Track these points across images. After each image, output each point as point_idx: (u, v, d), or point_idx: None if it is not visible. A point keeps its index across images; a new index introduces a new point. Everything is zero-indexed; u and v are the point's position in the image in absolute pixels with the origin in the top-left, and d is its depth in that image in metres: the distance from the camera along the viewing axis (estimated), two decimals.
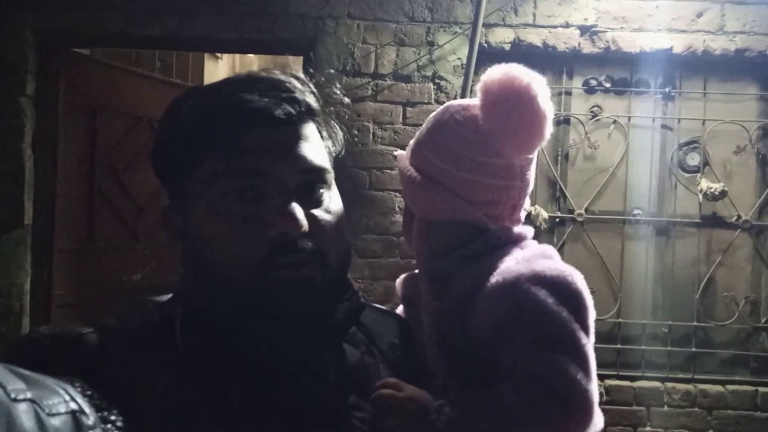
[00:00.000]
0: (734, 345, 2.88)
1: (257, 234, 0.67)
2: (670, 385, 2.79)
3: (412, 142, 0.91)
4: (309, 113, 0.72)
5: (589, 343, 0.75)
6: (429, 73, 2.86)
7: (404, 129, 2.86)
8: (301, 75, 0.75)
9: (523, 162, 0.85)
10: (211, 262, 0.68)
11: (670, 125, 2.91)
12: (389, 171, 2.84)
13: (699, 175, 2.86)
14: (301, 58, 3.01)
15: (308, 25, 2.85)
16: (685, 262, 2.89)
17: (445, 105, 0.89)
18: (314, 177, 0.71)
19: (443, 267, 0.85)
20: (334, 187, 0.75)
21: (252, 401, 0.65)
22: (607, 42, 2.83)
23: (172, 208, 0.74)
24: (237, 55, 4.77)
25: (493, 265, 0.80)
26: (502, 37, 2.85)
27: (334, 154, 0.78)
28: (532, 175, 0.88)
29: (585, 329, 0.75)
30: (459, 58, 2.84)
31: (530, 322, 0.75)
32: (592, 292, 0.79)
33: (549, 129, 0.83)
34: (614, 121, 2.89)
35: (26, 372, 0.52)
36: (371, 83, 2.86)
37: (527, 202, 0.91)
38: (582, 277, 0.79)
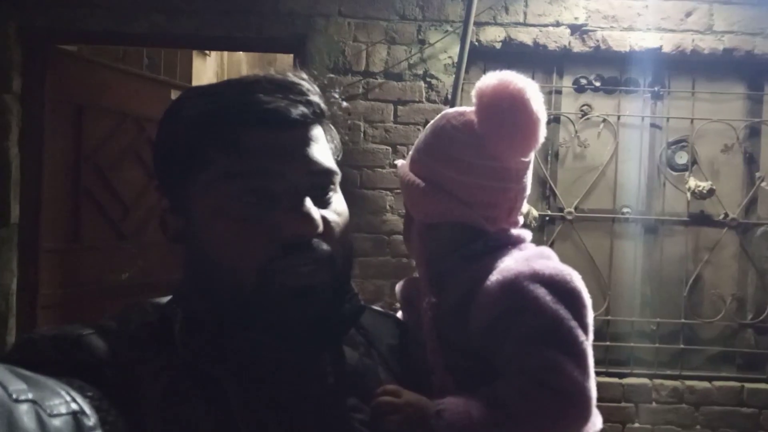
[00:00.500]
0: (721, 342, 2.91)
1: (269, 235, 0.66)
2: (657, 381, 2.82)
3: (411, 151, 0.93)
4: (320, 115, 0.72)
5: (587, 341, 0.76)
6: (420, 72, 2.86)
7: (395, 127, 2.85)
8: (308, 77, 0.75)
9: (519, 165, 0.87)
10: (218, 265, 0.67)
11: (658, 124, 2.94)
12: (380, 169, 2.84)
13: (687, 173, 2.88)
14: (291, 56, 2.99)
15: (298, 23, 2.83)
16: (673, 260, 2.92)
17: (442, 112, 0.90)
18: (325, 179, 0.71)
19: (443, 268, 0.87)
20: (339, 189, 0.75)
21: (251, 403, 0.65)
22: (597, 41, 2.85)
23: (172, 210, 0.73)
24: (225, 53, 4.74)
25: (492, 265, 0.81)
26: (493, 35, 2.85)
27: (335, 157, 0.78)
28: (529, 178, 0.89)
29: (583, 328, 0.76)
30: (450, 57, 2.84)
31: (528, 319, 0.75)
32: None
33: (543, 132, 0.84)
34: (604, 120, 2.91)
35: (27, 373, 0.52)
36: (362, 81, 2.85)
37: (524, 205, 0.92)
38: (580, 276, 0.80)
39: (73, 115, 3.04)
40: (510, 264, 0.81)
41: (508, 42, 2.85)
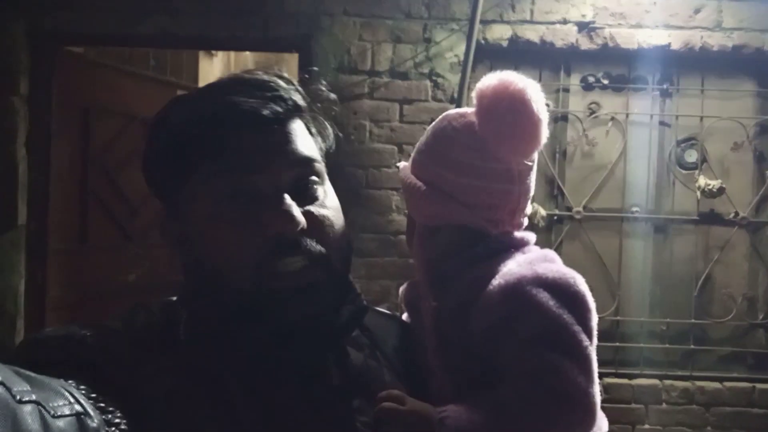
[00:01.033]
0: (731, 342, 2.88)
1: (255, 235, 0.66)
2: (668, 382, 2.80)
3: (413, 153, 0.92)
4: (295, 110, 0.72)
5: (591, 345, 0.75)
6: (426, 71, 2.84)
7: (401, 126, 2.84)
8: (285, 74, 0.75)
9: (521, 167, 0.86)
10: (213, 268, 0.68)
11: (667, 122, 2.91)
12: (386, 169, 2.83)
13: (697, 171, 2.85)
14: (296, 55, 2.99)
15: (303, 23, 2.82)
16: (683, 259, 2.89)
17: (443, 114, 0.89)
18: (305, 170, 0.71)
19: (444, 271, 0.86)
20: (327, 182, 0.75)
21: (255, 404, 0.65)
22: (605, 38, 2.82)
23: (169, 217, 0.74)
24: (232, 53, 4.74)
25: (495, 269, 0.81)
26: (500, 33, 2.83)
27: (324, 150, 0.78)
28: (532, 180, 0.88)
29: (587, 332, 0.75)
30: (456, 55, 2.83)
31: (531, 323, 0.74)
32: (590, 290, 0.80)
33: (544, 133, 0.83)
34: (612, 118, 2.88)
35: (31, 374, 0.52)
36: (367, 81, 2.84)
37: (529, 206, 0.91)
38: (584, 280, 0.79)
39: (80, 116, 3.06)
40: (513, 267, 0.80)
41: (514, 40, 2.83)
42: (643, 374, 2.82)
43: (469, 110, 0.87)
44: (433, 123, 0.90)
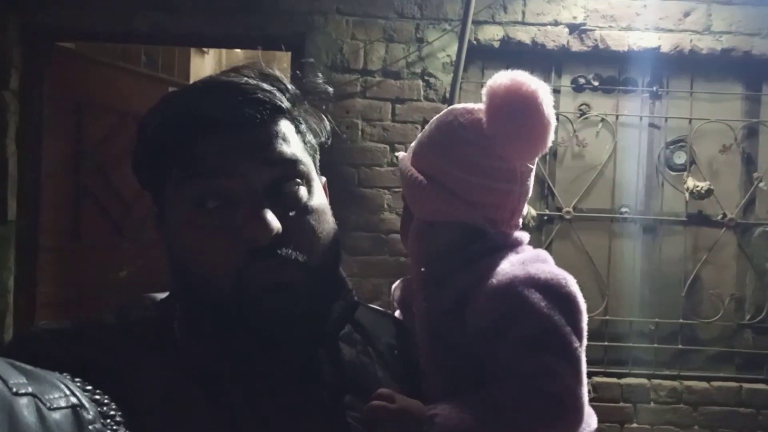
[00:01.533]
0: (719, 342, 2.91)
1: (231, 241, 0.65)
2: (656, 381, 2.82)
3: (414, 143, 0.91)
4: (276, 111, 0.69)
5: (581, 346, 0.76)
6: (418, 70, 2.86)
7: (393, 126, 2.85)
8: (269, 70, 0.73)
9: (524, 168, 0.86)
10: (192, 271, 0.67)
11: (657, 124, 2.93)
12: (378, 168, 2.83)
13: (685, 173, 2.88)
14: (289, 53, 2.99)
15: (297, 21, 2.83)
16: (672, 260, 2.92)
17: (449, 108, 0.89)
18: (284, 171, 0.68)
19: (438, 269, 0.86)
20: (315, 181, 0.73)
21: (248, 399, 0.65)
22: (596, 40, 2.84)
23: (158, 215, 0.74)
24: (223, 50, 4.73)
25: (488, 268, 0.81)
26: (492, 34, 2.85)
27: (317, 146, 0.76)
28: (531, 181, 0.88)
29: (577, 332, 0.76)
30: (448, 55, 2.84)
31: (523, 324, 0.75)
32: (579, 288, 0.80)
33: (551, 136, 0.84)
34: (602, 120, 2.90)
35: (27, 366, 0.53)
36: (360, 79, 2.85)
37: (525, 207, 0.91)
38: (575, 281, 0.80)
39: (72, 112, 3.05)
40: (506, 268, 0.80)
41: (506, 41, 2.85)
42: (631, 373, 2.84)
43: (475, 107, 0.86)
44: (438, 116, 0.89)
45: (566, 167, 2.92)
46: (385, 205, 2.83)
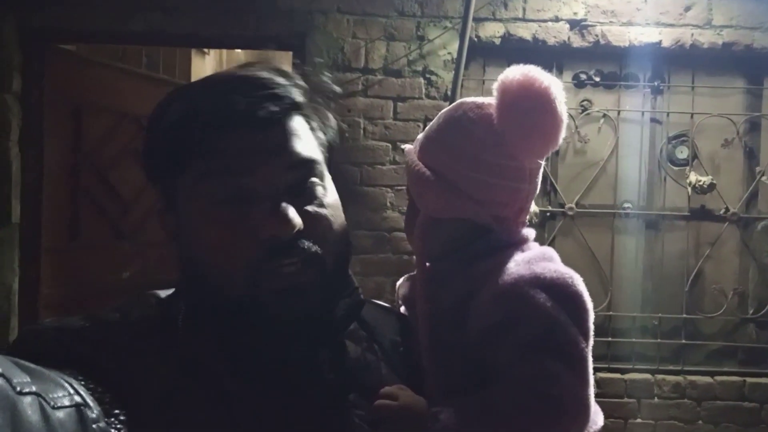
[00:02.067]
0: (722, 337, 2.91)
1: (249, 237, 0.65)
2: (659, 377, 2.82)
3: (420, 137, 0.88)
4: (294, 108, 0.70)
5: (587, 347, 0.75)
6: (419, 68, 2.86)
7: (395, 124, 2.85)
8: (284, 68, 0.73)
9: (533, 165, 0.84)
10: (206, 266, 0.67)
11: (659, 119, 2.93)
12: (380, 166, 2.83)
13: (688, 168, 2.88)
14: (290, 53, 2.99)
15: (297, 20, 2.82)
16: (674, 255, 2.92)
17: (458, 102, 0.86)
18: (304, 171, 0.69)
19: (443, 266, 0.85)
20: (328, 179, 0.73)
21: (253, 397, 0.65)
22: (597, 36, 2.84)
23: (166, 210, 0.73)
24: (224, 51, 4.73)
25: (493, 267, 0.79)
26: (492, 31, 2.85)
27: (327, 144, 0.76)
28: (540, 179, 0.86)
29: (584, 333, 0.75)
30: (449, 53, 2.84)
31: (528, 325, 0.74)
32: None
33: (563, 134, 0.81)
34: (604, 115, 2.90)
35: (31, 365, 0.52)
36: (361, 78, 2.85)
37: (532, 205, 0.90)
38: (581, 279, 0.78)
39: (72, 114, 3.04)
40: (511, 267, 0.78)
41: (507, 37, 2.85)
42: (635, 369, 2.85)
43: (485, 101, 0.84)
44: (446, 111, 0.87)
45: (568, 163, 2.93)
46: (388, 204, 2.83)
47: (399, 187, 2.79)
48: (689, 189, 2.84)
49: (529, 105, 0.78)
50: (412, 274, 0.95)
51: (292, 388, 0.68)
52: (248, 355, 0.67)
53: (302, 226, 0.66)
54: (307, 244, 0.66)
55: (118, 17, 2.78)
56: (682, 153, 2.91)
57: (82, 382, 0.56)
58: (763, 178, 2.88)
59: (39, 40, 2.83)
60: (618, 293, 2.88)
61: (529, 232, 0.87)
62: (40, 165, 2.83)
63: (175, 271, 0.74)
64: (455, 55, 2.75)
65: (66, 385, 0.53)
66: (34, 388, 0.49)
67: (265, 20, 2.81)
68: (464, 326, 0.78)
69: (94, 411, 0.53)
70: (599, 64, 2.92)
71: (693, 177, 2.83)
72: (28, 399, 0.47)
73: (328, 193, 0.72)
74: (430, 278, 0.85)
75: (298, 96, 0.70)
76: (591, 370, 0.75)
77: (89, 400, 0.54)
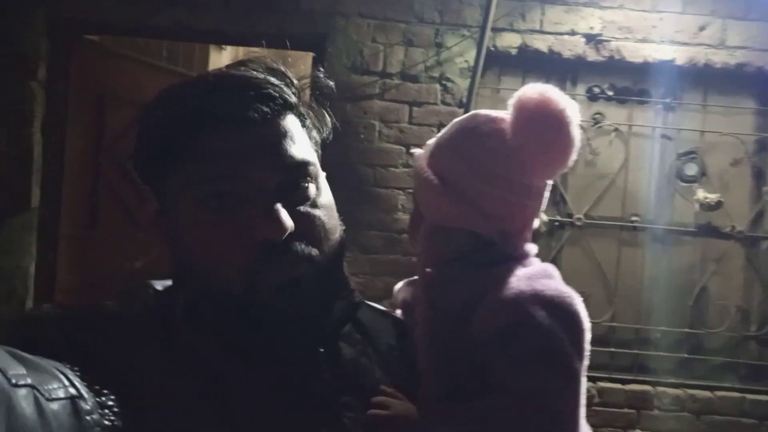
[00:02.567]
0: (724, 352, 2.94)
1: (242, 240, 0.64)
2: (660, 389, 2.85)
3: (431, 143, 0.89)
4: (286, 107, 0.69)
5: (582, 366, 0.76)
6: (436, 74, 2.90)
7: (410, 128, 2.90)
8: (275, 65, 0.71)
9: (541, 183, 0.86)
10: (200, 268, 0.67)
11: (669, 135, 2.97)
12: (393, 169, 2.88)
13: (696, 185, 2.92)
14: (310, 54, 3.04)
15: (319, 22, 2.88)
16: (680, 270, 2.95)
17: (472, 113, 0.87)
18: (297, 172, 0.68)
19: (445, 274, 0.85)
20: (322, 178, 0.73)
21: (248, 393, 0.65)
22: (611, 51, 2.89)
23: (160, 211, 0.72)
24: (241, 47, 4.78)
25: (494, 280, 0.80)
26: (509, 41, 2.89)
27: (320, 141, 0.76)
28: (546, 196, 0.88)
29: (579, 352, 0.76)
30: (466, 61, 2.88)
31: (526, 340, 0.75)
32: (587, 296, 0.80)
33: (575, 156, 0.82)
34: (615, 129, 2.95)
35: (26, 355, 0.53)
36: (379, 82, 2.90)
37: (542, 215, 0.91)
38: (581, 299, 0.80)
39: (95, 104, 3.10)
40: (512, 281, 0.79)
41: (523, 48, 2.89)
42: (636, 380, 2.88)
43: (499, 115, 0.85)
44: (460, 121, 0.87)
45: (578, 175, 2.97)
46: (399, 206, 2.87)
47: (411, 190, 2.82)
48: (697, 205, 2.88)
49: (545, 125, 0.79)
50: (411, 278, 0.96)
51: (285, 387, 0.68)
52: (244, 351, 0.67)
53: (294, 228, 0.65)
54: (300, 245, 0.66)
55: (145, 11, 2.84)
56: (691, 170, 2.95)
57: (78, 373, 0.56)
58: None
59: (66, 30, 2.89)
60: (622, 304, 2.91)
61: (532, 248, 0.87)
62: (62, 153, 2.88)
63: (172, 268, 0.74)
64: (472, 64, 2.81)
65: (61, 376, 0.53)
66: (29, 381, 0.49)
67: (287, 20, 2.86)
68: (463, 335, 0.79)
69: (88, 403, 0.53)
70: (613, 78, 2.96)
71: (701, 194, 2.87)
72: (23, 391, 0.48)
73: (321, 193, 0.71)
74: (432, 285, 0.85)
75: (290, 95, 0.70)
76: (584, 390, 0.76)
77: (84, 391, 0.54)
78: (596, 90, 2.97)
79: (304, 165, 0.68)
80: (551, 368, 0.74)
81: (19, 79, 2.77)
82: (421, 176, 0.86)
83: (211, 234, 0.65)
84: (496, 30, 2.84)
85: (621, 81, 2.97)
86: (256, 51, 4.47)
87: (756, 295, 2.96)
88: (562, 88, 2.92)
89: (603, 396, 2.80)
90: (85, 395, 0.54)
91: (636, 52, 2.89)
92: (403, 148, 2.88)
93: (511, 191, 0.82)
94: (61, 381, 0.52)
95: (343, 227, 0.74)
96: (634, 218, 2.95)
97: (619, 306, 2.90)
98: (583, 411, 0.75)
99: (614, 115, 2.97)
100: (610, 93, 2.97)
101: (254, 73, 0.68)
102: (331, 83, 0.77)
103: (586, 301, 0.81)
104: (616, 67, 2.93)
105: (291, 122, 0.69)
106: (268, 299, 0.65)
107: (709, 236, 2.95)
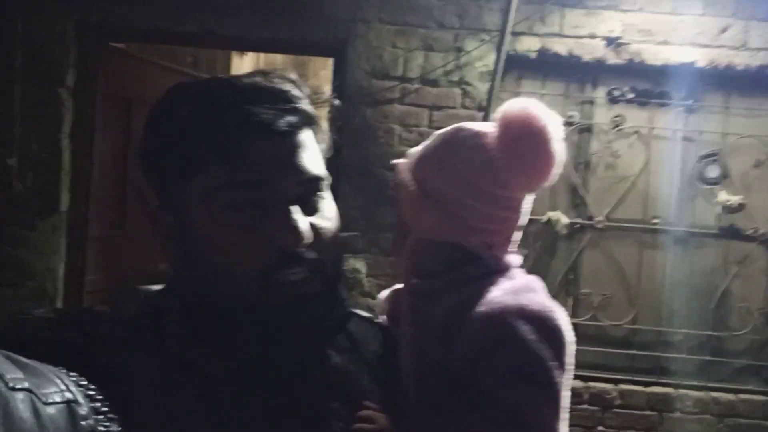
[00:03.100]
0: (747, 355, 2.93)
1: (259, 246, 0.66)
2: (682, 391, 2.84)
3: (414, 153, 0.89)
4: (308, 122, 0.71)
5: (563, 381, 0.77)
6: (456, 79, 2.92)
7: (430, 132, 2.85)
8: (297, 79, 0.74)
9: (524, 197, 0.87)
10: (212, 270, 0.68)
11: (691, 137, 2.97)
12: None
13: (718, 187, 2.91)
14: (330, 59, 3.09)
15: (339, 28, 2.91)
16: (702, 272, 2.94)
17: (456, 126, 0.88)
18: (314, 186, 0.71)
19: (430, 288, 0.86)
20: (328, 192, 0.75)
21: (239, 399, 0.66)
22: (632, 54, 2.89)
23: (162, 208, 0.72)
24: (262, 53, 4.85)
25: (480, 294, 0.80)
26: (529, 45, 2.91)
27: (326, 156, 0.77)
28: (529, 209, 0.89)
29: (561, 366, 0.77)
30: (486, 65, 2.90)
31: (510, 355, 0.75)
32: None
33: (559, 171, 0.84)
34: (636, 132, 2.95)
35: (24, 359, 0.53)
36: (399, 86, 2.93)
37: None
38: (564, 313, 0.81)
39: (122, 109, 3.17)
40: (497, 296, 0.80)
41: (543, 52, 2.91)
42: (658, 382, 2.87)
43: (483, 129, 0.86)
44: (444, 133, 0.88)
45: (599, 177, 2.97)
46: None
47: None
48: (719, 208, 2.87)
49: (528, 141, 0.81)
50: (396, 287, 0.96)
51: (276, 394, 0.69)
52: (238, 359, 0.67)
53: (311, 239, 0.67)
54: (312, 254, 0.68)
55: (172, 18, 2.89)
56: (713, 172, 2.94)
57: (74, 379, 0.56)
58: None
59: (95, 37, 2.96)
60: (644, 307, 2.91)
61: (515, 259, 0.89)
62: (90, 157, 2.95)
63: (170, 266, 0.74)
64: (491, 68, 2.83)
65: (58, 381, 0.54)
66: (26, 384, 0.49)
67: (309, 26, 2.90)
68: (448, 349, 0.80)
69: (84, 408, 0.54)
70: (634, 81, 2.96)
71: (723, 196, 2.86)
72: (20, 395, 0.48)
73: (328, 206, 0.73)
74: (417, 298, 0.86)
75: (311, 110, 0.72)
76: (566, 405, 0.77)
77: (80, 396, 0.54)
78: (616, 93, 2.98)
79: (320, 180, 0.71)
80: (533, 385, 0.75)
81: (48, 85, 2.85)
82: (405, 188, 0.87)
83: (229, 236, 0.66)
84: (515, 34, 2.86)
85: (642, 84, 2.97)
86: (276, 57, 4.49)
87: None
88: (583, 90, 2.96)
89: (624, 398, 2.80)
90: (81, 400, 0.54)
91: (656, 54, 2.89)
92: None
93: (495, 204, 0.84)
94: (58, 386, 0.53)
95: (357, 234, 0.77)
96: (655, 220, 2.94)
97: (640, 308, 2.90)
98: (565, 427, 0.77)
99: (635, 117, 2.97)
100: (631, 96, 2.97)
101: (283, 85, 0.71)
102: (337, 102, 0.81)
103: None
104: (636, 69, 2.93)
105: (309, 137, 0.72)
106: (277, 309, 0.66)
107: (732, 238, 2.93)
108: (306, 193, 0.70)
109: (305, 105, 0.71)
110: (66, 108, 2.88)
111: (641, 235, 2.95)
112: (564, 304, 0.91)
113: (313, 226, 0.69)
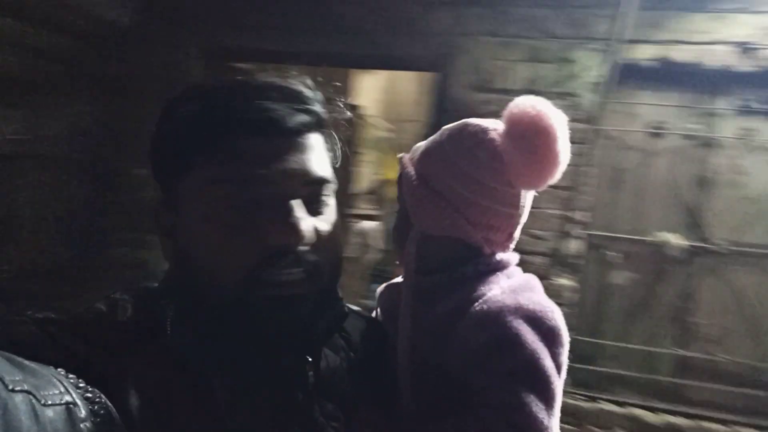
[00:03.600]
0: None
1: (255, 243, 0.66)
2: None
3: (420, 149, 0.90)
4: (319, 124, 0.72)
5: (559, 381, 0.75)
6: (562, 90, 2.81)
7: None
8: (312, 83, 0.74)
9: (527, 193, 0.86)
10: (204, 268, 0.67)
11: None
12: None
13: None
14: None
15: (443, 42, 2.92)
16: None
17: (463, 121, 0.87)
18: (318, 188, 0.71)
19: (430, 284, 0.86)
20: (332, 197, 0.75)
21: (235, 401, 0.66)
22: (763, 60, 2.60)
23: (164, 204, 0.73)
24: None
25: (479, 292, 0.81)
26: (644, 53, 2.72)
27: (334, 165, 0.77)
28: (529, 207, 0.88)
29: (558, 367, 0.76)
30: (595, 75, 2.76)
31: (507, 354, 0.75)
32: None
33: (564, 169, 0.83)
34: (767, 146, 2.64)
35: (24, 361, 0.53)
36: (503, 99, 2.86)
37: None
38: (561, 313, 0.79)
39: None
40: (496, 294, 0.80)
41: (660, 60, 2.70)
42: None
43: (490, 126, 0.85)
44: (451, 128, 0.88)
45: (720, 196, 2.70)
46: None
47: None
48: None
49: (535, 139, 0.80)
50: (391, 282, 0.97)
51: (272, 393, 0.69)
52: (233, 358, 0.68)
53: (310, 239, 0.67)
54: (310, 256, 0.68)
55: (290, 40, 3.06)
56: None
57: (72, 381, 0.56)
58: None
59: (220, 58, 3.23)
60: None
61: (513, 257, 0.88)
62: None
63: (167, 264, 0.75)
64: (601, 78, 2.68)
65: (57, 383, 0.54)
66: (26, 386, 0.49)
67: (413, 42, 2.94)
68: (445, 347, 0.80)
69: (82, 410, 0.54)
70: (764, 90, 2.66)
71: None
72: (19, 397, 0.48)
73: (331, 210, 0.74)
74: (416, 295, 0.85)
75: (323, 113, 0.73)
76: (559, 406, 0.75)
77: (78, 399, 0.54)
78: (744, 103, 2.69)
79: (324, 182, 0.72)
80: (530, 386, 0.73)
81: None
82: (410, 182, 0.87)
83: (225, 234, 0.66)
84: (629, 42, 2.69)
85: None
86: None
87: None
88: (704, 101, 2.71)
89: None
90: (80, 403, 0.54)
91: None
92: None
93: (498, 201, 0.83)
94: (57, 388, 0.53)
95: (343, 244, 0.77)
96: None
97: (765, 344, 2.58)
98: (557, 427, 0.75)
99: (765, 130, 2.66)
100: (762, 106, 2.66)
101: (300, 86, 0.72)
102: (349, 114, 0.80)
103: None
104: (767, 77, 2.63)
105: (318, 139, 0.73)
106: (263, 307, 0.66)
107: None
108: (310, 194, 0.70)
109: (317, 108, 0.72)
110: None
111: None
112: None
113: (314, 228, 0.69)
